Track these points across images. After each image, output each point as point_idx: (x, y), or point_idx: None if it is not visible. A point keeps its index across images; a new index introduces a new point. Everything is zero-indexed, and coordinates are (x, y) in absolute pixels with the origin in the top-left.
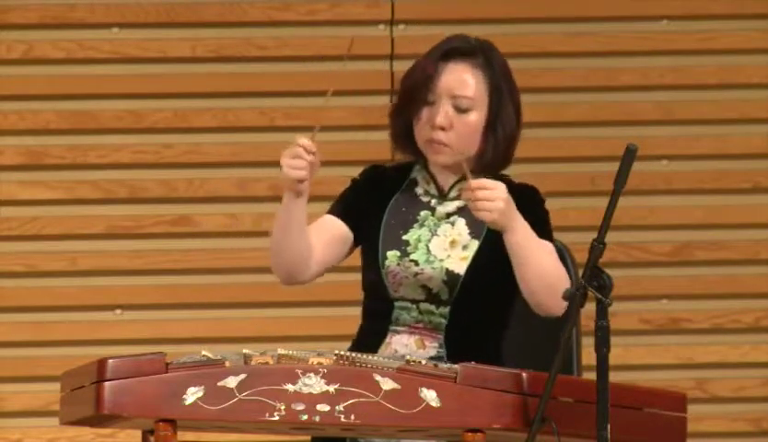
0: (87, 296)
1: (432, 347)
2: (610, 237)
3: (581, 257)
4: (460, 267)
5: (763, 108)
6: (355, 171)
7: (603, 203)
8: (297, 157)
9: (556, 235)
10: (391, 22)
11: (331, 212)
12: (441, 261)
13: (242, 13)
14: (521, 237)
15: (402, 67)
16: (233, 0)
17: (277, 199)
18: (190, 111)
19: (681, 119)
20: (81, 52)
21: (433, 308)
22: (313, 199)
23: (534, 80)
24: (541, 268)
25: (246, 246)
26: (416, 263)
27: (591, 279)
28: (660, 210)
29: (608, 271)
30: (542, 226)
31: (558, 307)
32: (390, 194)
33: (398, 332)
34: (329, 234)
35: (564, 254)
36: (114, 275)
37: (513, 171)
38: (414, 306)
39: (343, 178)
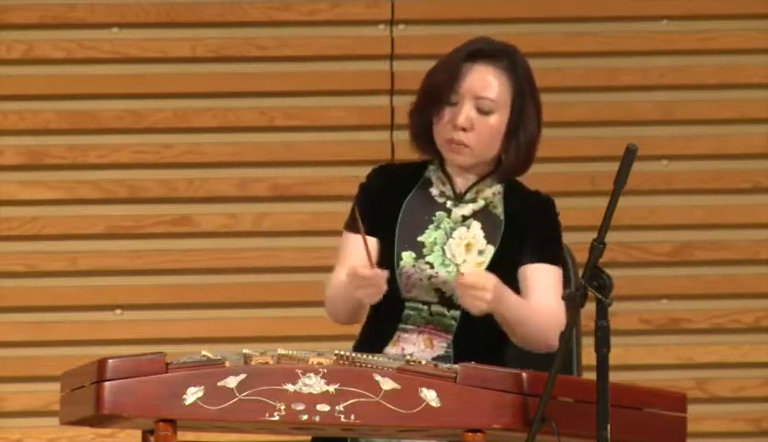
0: (87, 296)
1: (440, 347)
2: (610, 237)
3: (581, 257)
4: None
5: (763, 108)
6: (356, 171)
7: (603, 203)
8: (372, 285)
9: None
10: (391, 22)
11: (351, 229)
12: (457, 265)
13: (242, 13)
14: (505, 315)
15: (402, 67)
16: (233, 0)
17: (277, 199)
18: (190, 111)
19: (681, 119)
20: (81, 52)
21: (444, 310)
22: (313, 199)
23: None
24: (526, 334)
25: (246, 246)
26: (431, 266)
27: (591, 279)
28: (660, 210)
29: (608, 271)
30: (554, 245)
31: (551, 345)
32: (404, 193)
33: (406, 331)
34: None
35: (563, 255)
36: (114, 275)
37: None
38: (426, 307)
39: (343, 178)
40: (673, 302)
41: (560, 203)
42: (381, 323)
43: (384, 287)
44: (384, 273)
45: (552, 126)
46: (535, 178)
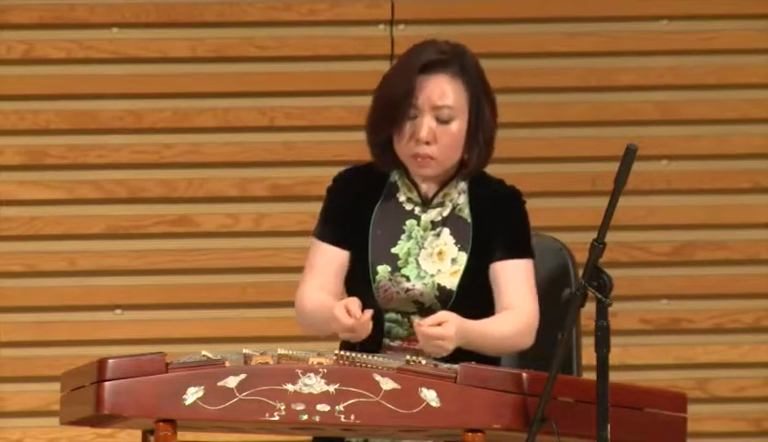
0: (87, 296)
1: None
2: (610, 237)
3: (581, 257)
4: (452, 282)
5: (763, 108)
6: None
7: (603, 203)
8: (356, 329)
9: (556, 235)
10: (391, 22)
11: (322, 238)
12: (432, 276)
13: (242, 13)
14: (473, 347)
15: None
16: (233, 0)
17: (277, 199)
18: (190, 111)
19: (681, 119)
20: (81, 52)
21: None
22: (313, 199)
23: (534, 80)
24: (498, 352)
25: (246, 246)
26: (407, 279)
27: (591, 279)
28: (660, 210)
29: (608, 271)
30: (522, 238)
31: (524, 349)
32: (372, 199)
33: (392, 348)
34: (340, 273)
35: (563, 254)
36: (114, 275)
37: (513, 171)
38: (406, 319)
39: None
40: (673, 302)
41: (560, 203)
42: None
43: (368, 332)
44: (368, 318)
45: (552, 126)
46: (535, 178)
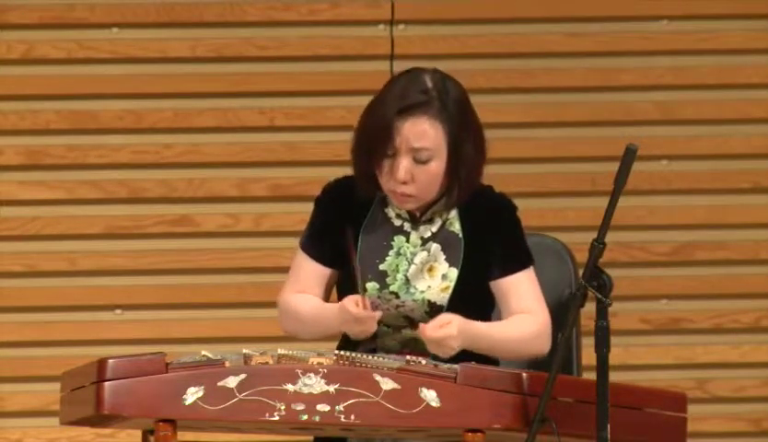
0: (87, 296)
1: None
2: (610, 237)
3: (581, 257)
4: (442, 298)
5: (763, 108)
6: None
7: (603, 203)
8: (365, 322)
9: (556, 235)
10: (391, 22)
11: (307, 252)
12: (422, 292)
13: (242, 13)
14: (480, 349)
15: (402, 67)
16: (233, 0)
17: (277, 199)
18: (190, 111)
19: (681, 119)
20: (81, 52)
21: (416, 334)
22: (312, 199)
23: (534, 80)
24: (507, 356)
25: (246, 246)
26: (397, 296)
27: (591, 279)
28: (660, 210)
29: (608, 271)
30: (519, 250)
31: (540, 354)
32: (360, 214)
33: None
34: (324, 288)
35: (563, 254)
36: (114, 275)
37: (513, 171)
38: (398, 333)
39: None
40: (673, 302)
41: (560, 203)
42: (359, 345)
43: (374, 329)
44: (377, 314)
45: (552, 126)
46: (535, 178)
